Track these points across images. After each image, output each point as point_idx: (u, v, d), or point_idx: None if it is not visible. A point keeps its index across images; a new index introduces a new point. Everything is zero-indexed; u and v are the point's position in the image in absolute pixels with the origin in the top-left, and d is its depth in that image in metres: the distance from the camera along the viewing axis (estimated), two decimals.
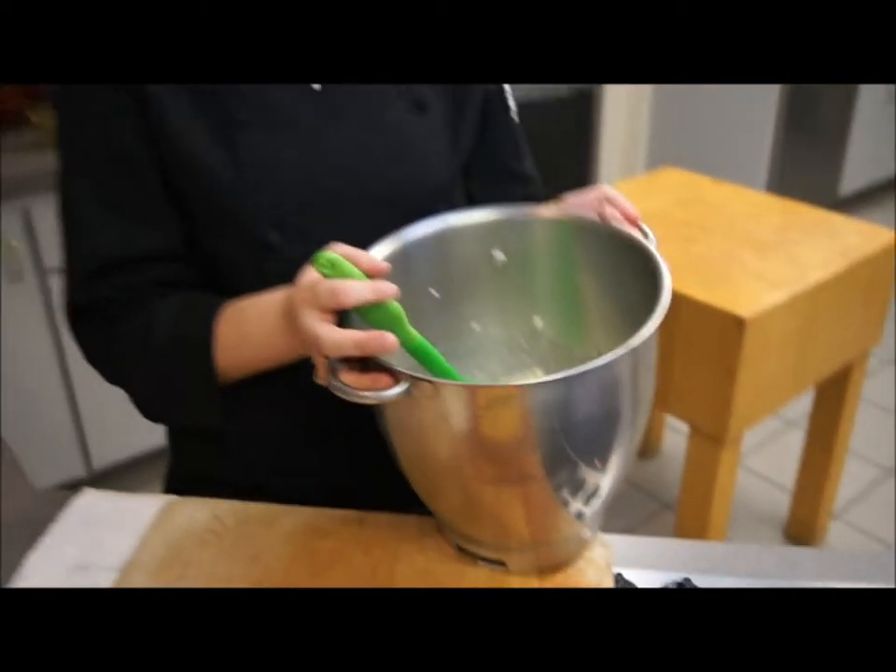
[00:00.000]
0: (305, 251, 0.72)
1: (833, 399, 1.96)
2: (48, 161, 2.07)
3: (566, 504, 0.71)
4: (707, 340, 1.60)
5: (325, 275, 0.66)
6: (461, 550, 0.79)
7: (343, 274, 0.66)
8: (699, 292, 1.62)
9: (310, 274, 0.70)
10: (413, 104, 0.87)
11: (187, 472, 0.99)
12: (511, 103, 0.99)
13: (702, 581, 0.81)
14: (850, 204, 4.24)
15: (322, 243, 0.71)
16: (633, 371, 0.68)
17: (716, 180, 2.20)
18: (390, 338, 0.65)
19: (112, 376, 0.89)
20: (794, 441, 2.42)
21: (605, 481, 0.72)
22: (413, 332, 0.70)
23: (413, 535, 0.83)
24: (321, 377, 0.69)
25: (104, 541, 0.85)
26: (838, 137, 4.08)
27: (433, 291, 0.83)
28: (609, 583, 0.77)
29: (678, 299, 1.63)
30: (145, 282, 0.85)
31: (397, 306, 0.68)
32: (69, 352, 2.22)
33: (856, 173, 4.19)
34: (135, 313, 0.84)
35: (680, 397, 1.69)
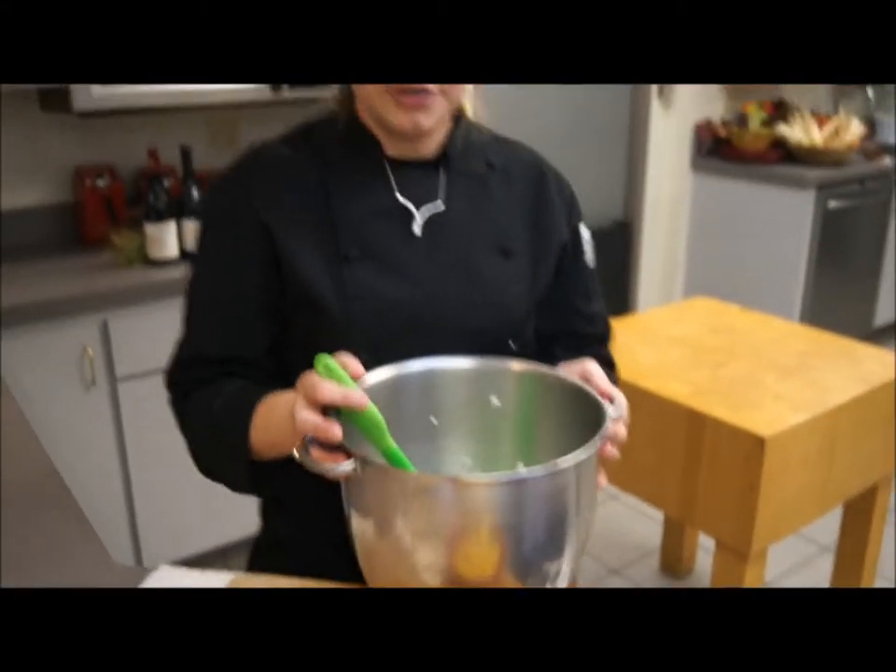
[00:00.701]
0: None
1: (860, 521, 2.03)
2: (126, 279, 2.29)
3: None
4: (731, 458, 1.70)
5: (320, 375, 0.80)
6: None
7: (334, 377, 0.80)
8: (723, 413, 1.73)
9: (311, 373, 0.83)
10: (500, 250, 1.03)
11: (267, 542, 1.10)
12: (587, 248, 1.14)
13: None
14: (883, 335, 4.33)
15: None
16: (556, 489, 0.78)
17: (745, 309, 2.33)
18: (336, 430, 0.77)
19: (182, 430, 1.07)
20: (825, 566, 2.46)
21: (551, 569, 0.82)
22: (389, 441, 0.82)
23: None
24: (296, 450, 0.81)
25: None
26: (870, 272, 4.21)
27: (433, 419, 0.95)
28: None
29: (703, 419, 1.74)
30: (226, 374, 1.02)
31: (376, 416, 0.80)
32: (131, 456, 2.37)
33: (888, 305, 4.30)
34: (210, 386, 1.02)
35: (706, 512, 1.77)
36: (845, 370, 1.92)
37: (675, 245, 4.29)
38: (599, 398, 0.86)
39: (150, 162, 2.58)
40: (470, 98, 1.08)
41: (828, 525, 2.46)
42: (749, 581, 1.74)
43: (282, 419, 0.88)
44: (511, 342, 1.03)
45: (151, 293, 2.33)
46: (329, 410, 0.80)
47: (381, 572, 0.84)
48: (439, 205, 1.03)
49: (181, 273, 2.41)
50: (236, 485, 1.04)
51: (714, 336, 2.13)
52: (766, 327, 2.21)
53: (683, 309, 2.37)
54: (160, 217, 2.43)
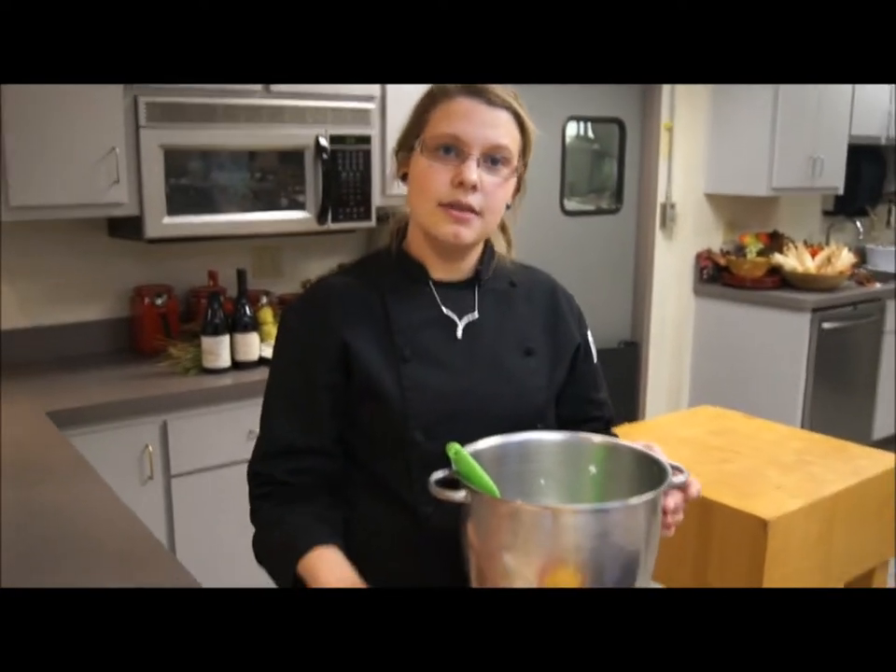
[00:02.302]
0: (439, 447, 1.11)
1: None
2: (184, 385, 2.53)
3: None
4: (737, 540, 1.90)
5: (451, 458, 1.04)
6: None
7: (460, 460, 1.04)
8: (729, 500, 1.94)
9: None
10: (523, 351, 1.29)
11: None
12: (593, 349, 1.41)
13: None
14: (883, 448, 4.52)
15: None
16: (641, 518, 1.01)
17: (747, 416, 2.56)
18: None
19: (252, 521, 1.31)
20: None
21: None
22: (492, 485, 1.05)
23: None
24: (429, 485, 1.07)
25: None
26: (867, 388, 4.44)
27: (542, 481, 1.19)
28: None
29: (711, 505, 1.94)
30: (300, 468, 1.26)
31: (479, 472, 1.05)
32: (178, 544, 2.55)
33: (886, 419, 4.51)
34: (281, 503, 1.26)
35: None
36: (839, 465, 2.14)
37: (680, 364, 4.56)
38: (662, 459, 1.09)
39: (210, 283, 2.86)
40: (497, 235, 1.34)
41: None
42: None
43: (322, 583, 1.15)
44: (537, 424, 1.27)
45: (206, 398, 2.58)
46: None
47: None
48: (474, 315, 1.29)
49: (233, 380, 2.67)
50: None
51: (718, 437, 2.35)
52: (767, 430, 2.43)
53: (689, 415, 2.60)
54: (215, 331, 2.70)
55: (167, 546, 2.55)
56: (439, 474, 1.07)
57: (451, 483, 1.06)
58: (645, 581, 1.05)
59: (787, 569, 1.90)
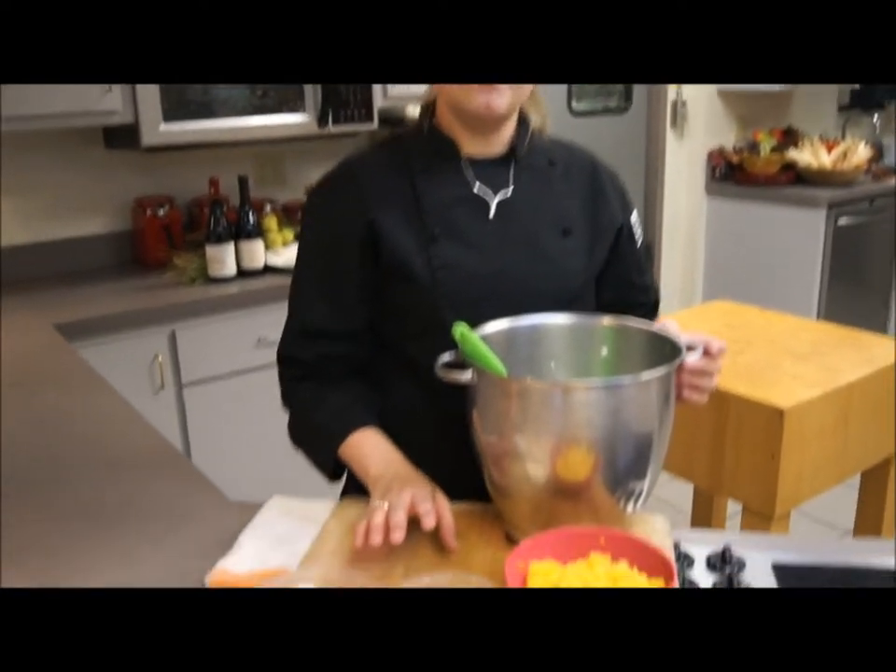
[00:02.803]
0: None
1: (876, 491, 2.20)
2: (190, 295, 2.50)
3: (610, 494, 1.00)
4: (753, 430, 1.88)
5: (457, 340, 1.01)
6: (508, 538, 1.06)
7: (467, 342, 1.00)
8: (745, 390, 1.91)
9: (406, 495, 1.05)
10: (560, 230, 1.23)
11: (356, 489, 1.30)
12: (638, 231, 1.35)
13: (741, 548, 1.09)
14: None
15: None
16: (653, 395, 0.98)
17: (761, 309, 2.52)
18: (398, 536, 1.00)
19: (284, 404, 1.29)
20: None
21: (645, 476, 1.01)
22: (500, 365, 1.02)
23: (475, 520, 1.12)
24: (436, 368, 1.05)
25: (297, 525, 1.16)
26: (882, 284, 4.38)
27: (552, 364, 1.16)
28: (670, 547, 1.05)
29: (726, 396, 1.92)
30: (331, 354, 1.23)
31: (483, 349, 1.02)
32: (194, 454, 2.56)
33: None
34: (317, 385, 1.24)
35: (733, 481, 1.95)
36: (854, 355, 2.11)
37: (693, 265, 4.50)
38: (675, 337, 1.05)
39: (211, 191, 2.81)
40: (531, 108, 1.28)
41: (847, 510, 2.63)
42: None
43: (364, 473, 1.16)
44: (575, 308, 1.22)
45: (213, 307, 2.55)
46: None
47: (498, 475, 1.02)
48: (508, 193, 1.23)
49: (239, 289, 2.63)
50: (318, 469, 1.26)
51: (732, 330, 2.31)
52: (781, 322, 2.40)
53: (703, 311, 2.56)
54: (219, 239, 2.65)
55: (183, 455, 2.56)
56: (446, 357, 1.04)
57: (460, 367, 1.02)
58: (657, 467, 1.02)
59: (802, 459, 1.89)
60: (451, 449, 1.12)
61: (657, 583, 0.84)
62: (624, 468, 0.98)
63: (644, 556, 0.88)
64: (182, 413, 2.55)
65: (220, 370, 2.58)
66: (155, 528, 1.22)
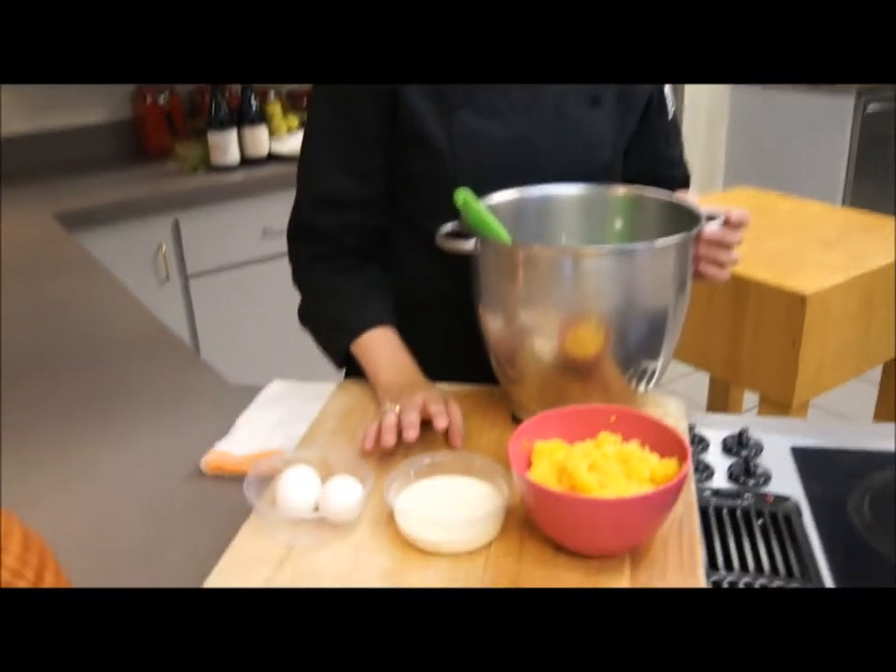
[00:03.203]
0: None
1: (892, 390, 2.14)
2: (192, 183, 2.42)
3: (622, 372, 0.94)
4: (774, 317, 1.82)
5: (459, 207, 0.94)
6: (515, 420, 1.01)
7: (471, 209, 0.93)
8: (767, 277, 1.84)
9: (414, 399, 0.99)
10: (590, 99, 1.14)
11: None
12: (669, 102, 1.25)
13: (759, 432, 1.04)
14: None
15: None
16: (670, 265, 0.91)
17: (785, 195, 2.42)
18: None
19: (295, 282, 1.22)
20: None
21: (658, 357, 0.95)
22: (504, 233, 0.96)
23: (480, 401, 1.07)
24: (437, 237, 0.98)
25: (297, 407, 1.12)
26: None
27: (563, 237, 1.09)
28: (684, 428, 1.01)
29: (747, 284, 1.85)
30: (347, 223, 1.16)
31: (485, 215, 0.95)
32: (203, 349, 2.53)
33: None
34: (331, 270, 1.17)
35: (751, 370, 1.89)
36: (880, 241, 2.02)
37: (714, 152, 4.35)
38: (694, 205, 0.98)
39: None
40: None
41: (865, 405, 2.59)
42: None
43: (374, 378, 1.09)
44: (598, 181, 1.15)
45: (217, 196, 2.47)
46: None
47: (504, 352, 0.97)
48: None
49: (243, 177, 2.55)
50: (327, 356, 1.19)
51: (755, 216, 2.21)
52: (805, 209, 2.30)
53: (725, 197, 2.47)
54: (222, 125, 2.56)
55: (191, 347, 2.53)
56: (448, 227, 0.97)
57: (464, 237, 0.96)
58: (670, 346, 0.96)
59: (824, 347, 1.83)
60: (464, 329, 1.06)
61: (670, 465, 0.79)
62: (637, 345, 0.92)
63: (657, 436, 0.83)
64: (189, 305, 2.51)
65: (226, 260, 2.52)
66: (155, 413, 1.19)
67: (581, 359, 0.92)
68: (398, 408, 0.97)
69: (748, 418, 1.15)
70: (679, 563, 0.77)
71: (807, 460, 1.02)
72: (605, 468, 0.78)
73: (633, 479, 0.78)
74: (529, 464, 0.83)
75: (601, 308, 0.88)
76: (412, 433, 0.93)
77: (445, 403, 0.98)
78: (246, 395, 1.19)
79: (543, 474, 0.79)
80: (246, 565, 0.79)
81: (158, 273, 2.42)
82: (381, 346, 1.11)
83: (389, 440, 0.93)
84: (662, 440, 0.82)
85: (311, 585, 0.76)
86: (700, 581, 0.75)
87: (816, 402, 2.37)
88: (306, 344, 1.24)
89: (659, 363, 0.95)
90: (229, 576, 0.77)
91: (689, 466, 0.76)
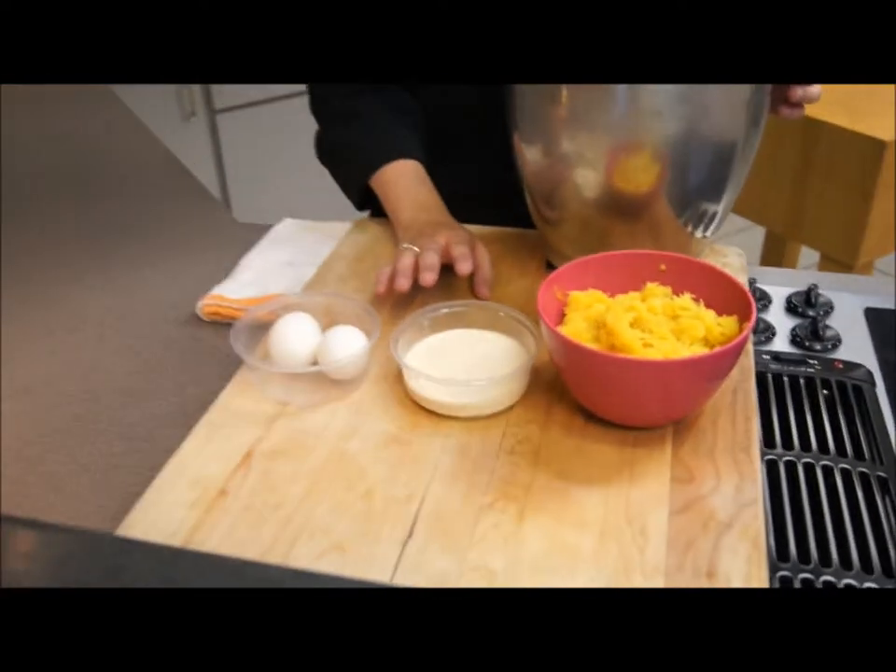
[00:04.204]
0: None
1: None
2: None
3: (678, 216, 0.81)
4: (846, 165, 1.64)
5: None
6: (550, 267, 0.88)
7: None
8: (842, 120, 1.65)
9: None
10: None
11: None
12: None
13: (828, 290, 0.91)
14: None
15: None
16: (744, 94, 0.76)
17: None
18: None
19: (312, 111, 1.08)
20: None
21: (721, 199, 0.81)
22: None
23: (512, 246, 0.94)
24: None
25: (308, 248, 1.00)
26: None
27: None
28: (744, 282, 0.88)
29: (817, 126, 1.67)
30: None
31: None
32: (231, 189, 2.41)
33: None
34: (350, 91, 1.03)
35: (814, 224, 1.73)
36: None
37: None
38: None
39: None
40: None
41: None
42: None
43: (394, 216, 0.96)
44: None
45: None
46: None
47: (541, 187, 0.83)
48: None
49: None
50: (346, 195, 1.06)
51: None
52: None
53: None
54: None
55: (218, 188, 2.41)
56: None
57: None
58: (734, 190, 0.82)
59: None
60: (497, 162, 0.92)
61: (728, 323, 0.67)
62: (698, 182, 0.78)
63: (715, 288, 0.70)
64: (216, 143, 2.36)
65: (255, 95, 2.36)
66: (157, 254, 1.08)
67: (631, 196, 0.78)
68: (416, 248, 0.85)
69: (816, 275, 1.01)
70: (731, 438, 0.66)
71: (884, 324, 0.89)
72: (651, 324, 0.66)
73: (684, 338, 0.66)
74: (562, 317, 0.71)
75: (659, 135, 0.73)
76: (430, 277, 0.81)
77: (471, 246, 0.86)
78: (256, 234, 1.08)
79: (577, 329, 0.67)
80: (234, 423, 0.69)
81: (182, 108, 2.27)
82: (404, 179, 0.98)
83: (404, 283, 0.81)
84: (720, 294, 0.69)
85: (303, 449, 0.66)
86: (754, 460, 0.64)
87: (878, 265, 2.21)
88: (335, 186, 1.11)
89: (721, 207, 0.81)
90: (212, 431, 0.68)
91: (751, 326, 0.64)
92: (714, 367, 0.64)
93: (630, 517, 0.60)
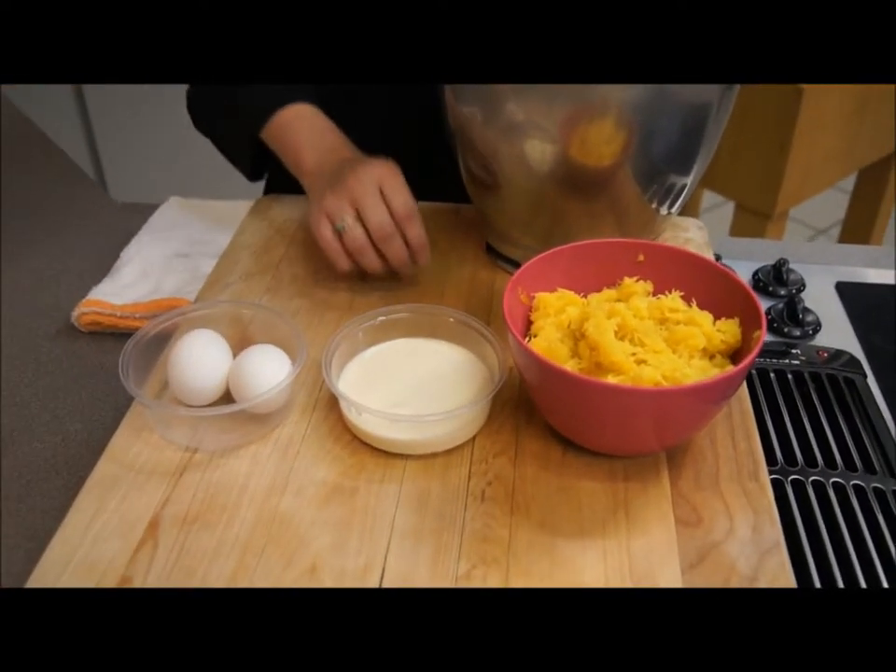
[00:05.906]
0: None
1: (871, 194, 1.95)
2: None
3: (644, 198, 0.70)
4: (763, 113, 1.57)
5: None
6: (491, 251, 0.78)
7: None
8: None
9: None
10: None
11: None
12: None
13: (795, 264, 0.83)
14: None
15: None
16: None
17: None
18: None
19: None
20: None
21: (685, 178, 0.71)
22: None
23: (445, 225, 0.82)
24: None
25: (201, 234, 0.85)
26: None
27: None
28: (710, 257, 0.78)
29: None
30: None
31: None
32: (104, 163, 2.17)
33: None
34: None
35: (729, 173, 1.67)
36: None
37: None
38: None
39: None
40: None
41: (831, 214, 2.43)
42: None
43: (295, 165, 0.79)
44: None
45: None
46: None
47: (480, 158, 0.70)
48: None
49: None
50: (233, 163, 0.88)
51: None
52: None
53: None
54: None
55: (90, 164, 2.16)
56: None
57: None
58: (704, 161, 0.72)
59: (813, 150, 1.61)
60: (423, 125, 0.78)
61: (730, 327, 0.57)
62: (666, 153, 0.67)
63: (710, 285, 0.59)
64: (83, 111, 2.10)
65: None
66: (22, 242, 0.92)
67: (591, 170, 0.66)
68: (328, 217, 0.70)
69: (781, 245, 0.92)
70: (735, 461, 0.56)
71: (858, 301, 0.81)
72: (639, 333, 0.55)
73: (681, 350, 0.55)
74: (528, 324, 0.59)
75: (623, 98, 0.62)
76: (371, 261, 0.69)
77: (393, 201, 0.70)
78: (139, 217, 0.92)
79: (551, 341, 0.56)
80: (131, 480, 0.55)
81: None
82: (299, 121, 0.81)
83: (343, 264, 0.69)
84: (713, 290, 0.59)
85: (223, 511, 0.53)
86: (766, 490, 0.54)
87: (794, 214, 2.18)
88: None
89: (690, 179, 0.71)
90: (104, 493, 0.54)
91: (764, 332, 0.54)
92: (724, 390, 0.53)
93: (637, 577, 0.49)
